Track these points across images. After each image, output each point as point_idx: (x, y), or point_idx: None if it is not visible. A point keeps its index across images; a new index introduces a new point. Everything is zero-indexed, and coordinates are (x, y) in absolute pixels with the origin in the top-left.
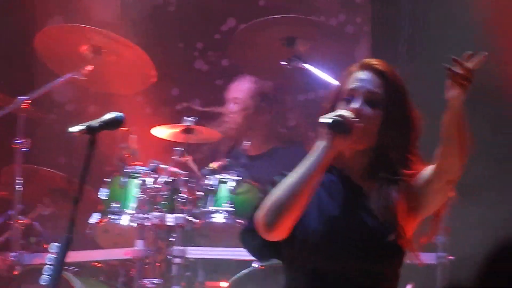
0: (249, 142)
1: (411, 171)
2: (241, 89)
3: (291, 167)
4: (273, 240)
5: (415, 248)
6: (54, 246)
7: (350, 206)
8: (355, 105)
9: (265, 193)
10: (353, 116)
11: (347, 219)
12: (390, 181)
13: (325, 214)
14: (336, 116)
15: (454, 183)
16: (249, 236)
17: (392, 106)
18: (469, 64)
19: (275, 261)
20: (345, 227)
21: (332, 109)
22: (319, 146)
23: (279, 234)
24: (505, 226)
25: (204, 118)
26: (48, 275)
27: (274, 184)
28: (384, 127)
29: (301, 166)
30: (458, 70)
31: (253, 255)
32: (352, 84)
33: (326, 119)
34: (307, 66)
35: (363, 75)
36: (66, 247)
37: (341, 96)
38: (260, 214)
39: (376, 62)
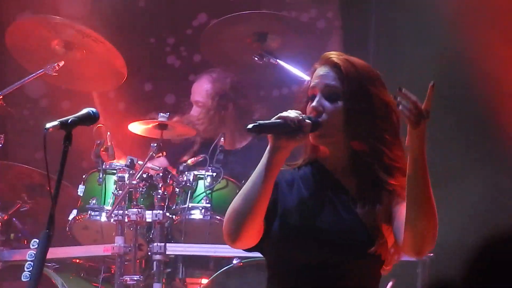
0: (224, 138)
1: (391, 177)
2: (200, 91)
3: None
4: (241, 248)
5: (391, 257)
6: (34, 242)
7: (329, 201)
8: (313, 103)
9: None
10: (299, 114)
11: (325, 214)
12: (373, 183)
13: (304, 209)
14: (276, 118)
15: (421, 256)
16: None
17: (351, 97)
18: (414, 97)
19: (256, 258)
20: (323, 222)
21: (305, 109)
22: (266, 150)
23: (244, 242)
24: (484, 220)
25: (178, 113)
26: (29, 271)
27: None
28: (347, 119)
29: (253, 173)
30: (405, 104)
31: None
32: (313, 81)
33: (253, 123)
34: (279, 61)
35: (321, 70)
36: (46, 243)
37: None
38: (223, 225)
39: (333, 55)
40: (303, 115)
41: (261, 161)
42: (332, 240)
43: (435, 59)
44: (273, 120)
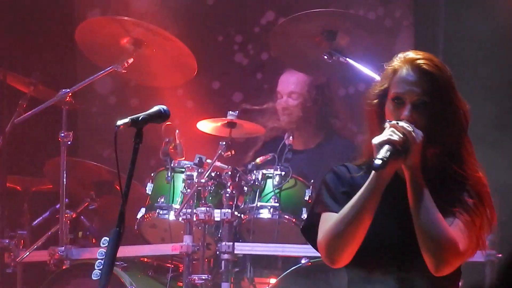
0: (292, 137)
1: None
2: (295, 82)
3: (337, 162)
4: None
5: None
6: (105, 241)
7: (401, 209)
8: (406, 112)
9: (317, 191)
10: (407, 128)
11: (401, 221)
12: (444, 189)
13: (379, 217)
14: (382, 143)
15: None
16: (310, 232)
17: (439, 107)
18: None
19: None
20: (399, 230)
21: (380, 106)
22: (373, 174)
23: (342, 262)
24: None
25: (247, 113)
26: (99, 270)
27: (325, 183)
28: (430, 128)
29: (358, 195)
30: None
31: (317, 250)
32: (399, 87)
33: (377, 159)
34: (348, 59)
35: (410, 76)
36: (117, 241)
37: (387, 94)
38: (322, 244)
39: (423, 61)
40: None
41: (366, 185)
42: (405, 252)
43: (505, 57)
44: (382, 144)
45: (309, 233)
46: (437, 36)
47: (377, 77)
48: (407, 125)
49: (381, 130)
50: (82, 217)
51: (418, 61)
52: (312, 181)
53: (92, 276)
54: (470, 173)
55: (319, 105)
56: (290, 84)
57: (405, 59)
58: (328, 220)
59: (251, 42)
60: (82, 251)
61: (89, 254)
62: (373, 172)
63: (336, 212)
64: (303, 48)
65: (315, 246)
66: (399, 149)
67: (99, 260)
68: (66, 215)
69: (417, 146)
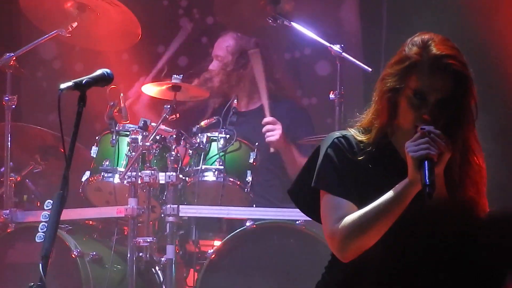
0: (236, 100)
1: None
2: (221, 46)
3: (285, 122)
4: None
5: None
6: (48, 203)
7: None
8: (426, 110)
9: (319, 163)
10: (441, 142)
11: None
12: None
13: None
14: (420, 158)
15: None
16: (298, 196)
17: (460, 105)
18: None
19: (269, 221)
20: (410, 219)
21: (394, 92)
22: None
23: (354, 256)
24: None
25: (191, 77)
26: (43, 232)
27: (328, 158)
28: (449, 122)
29: (387, 199)
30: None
31: (304, 213)
32: (422, 82)
33: (429, 186)
34: (292, 23)
35: (435, 76)
36: (60, 204)
37: (406, 84)
38: (336, 238)
39: (448, 59)
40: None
41: (399, 191)
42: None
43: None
44: (421, 159)
45: (297, 198)
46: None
47: (323, 42)
48: (438, 132)
49: (392, 115)
50: (27, 180)
51: (444, 60)
52: (256, 143)
53: (36, 238)
54: (473, 162)
55: (247, 69)
56: (217, 48)
57: (428, 53)
58: (338, 208)
59: (196, 6)
60: (27, 214)
61: (34, 217)
62: (406, 180)
63: (345, 198)
64: (247, 12)
65: (302, 209)
66: (436, 162)
67: (43, 223)
68: (11, 178)
69: (447, 156)
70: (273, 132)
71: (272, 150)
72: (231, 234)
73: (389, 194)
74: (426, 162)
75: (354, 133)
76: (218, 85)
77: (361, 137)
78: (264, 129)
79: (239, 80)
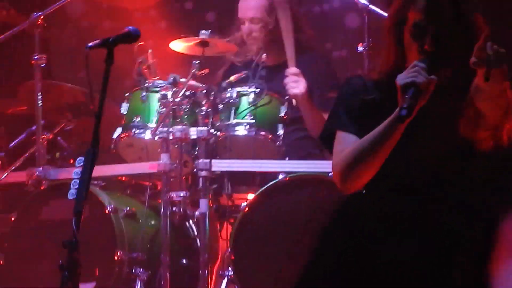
0: (265, 54)
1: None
2: (254, 7)
3: (311, 75)
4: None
5: None
6: (80, 160)
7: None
8: (428, 43)
9: (334, 104)
10: (423, 75)
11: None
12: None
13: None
14: (406, 84)
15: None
16: (328, 141)
17: (460, 33)
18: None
19: (302, 173)
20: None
21: (397, 27)
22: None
23: (356, 188)
24: None
25: (220, 31)
26: (75, 189)
27: (341, 97)
28: (451, 53)
29: (379, 130)
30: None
31: None
32: (421, 15)
33: (403, 109)
34: None
35: (432, 6)
36: (92, 161)
37: (406, 18)
38: (336, 170)
39: None
40: (422, 67)
41: (388, 121)
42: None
43: None
44: (407, 86)
45: (328, 142)
46: None
47: None
48: (423, 66)
49: (399, 51)
50: (59, 138)
51: None
52: (287, 97)
53: (68, 195)
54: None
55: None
56: (249, 10)
57: None
58: (343, 142)
59: None
60: (60, 171)
61: (67, 174)
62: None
63: (351, 132)
64: None
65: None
66: (423, 90)
67: (75, 180)
68: (43, 136)
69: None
70: (297, 83)
71: (294, 102)
72: (264, 187)
73: (383, 124)
74: (411, 89)
75: (369, 76)
76: (258, 46)
77: (376, 77)
78: (286, 80)
79: (275, 36)
